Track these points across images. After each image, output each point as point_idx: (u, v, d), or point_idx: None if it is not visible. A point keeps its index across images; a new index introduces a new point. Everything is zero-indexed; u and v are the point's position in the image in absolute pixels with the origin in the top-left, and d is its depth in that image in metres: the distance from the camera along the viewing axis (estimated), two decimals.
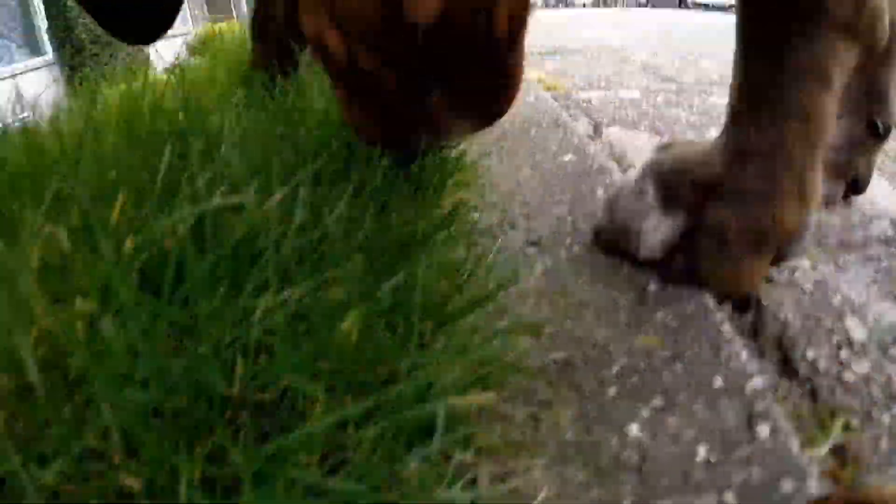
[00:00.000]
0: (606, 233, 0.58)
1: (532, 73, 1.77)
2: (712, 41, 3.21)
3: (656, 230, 0.53)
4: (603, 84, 1.61)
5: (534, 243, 0.61)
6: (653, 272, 0.53)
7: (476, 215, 0.65)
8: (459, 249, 0.46)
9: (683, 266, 0.52)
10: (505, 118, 0.50)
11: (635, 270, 0.54)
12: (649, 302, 0.50)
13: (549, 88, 1.45)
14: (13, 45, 7.21)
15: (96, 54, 6.82)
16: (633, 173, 0.57)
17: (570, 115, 1.16)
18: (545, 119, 1.11)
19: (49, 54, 7.18)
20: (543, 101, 1.23)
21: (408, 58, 0.41)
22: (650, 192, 0.54)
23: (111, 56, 6.65)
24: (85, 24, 6.78)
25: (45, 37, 7.14)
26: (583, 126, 1.15)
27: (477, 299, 0.38)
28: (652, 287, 0.52)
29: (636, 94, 1.45)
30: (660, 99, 1.47)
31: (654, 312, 0.48)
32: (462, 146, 0.72)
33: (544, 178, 0.79)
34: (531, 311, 0.49)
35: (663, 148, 0.58)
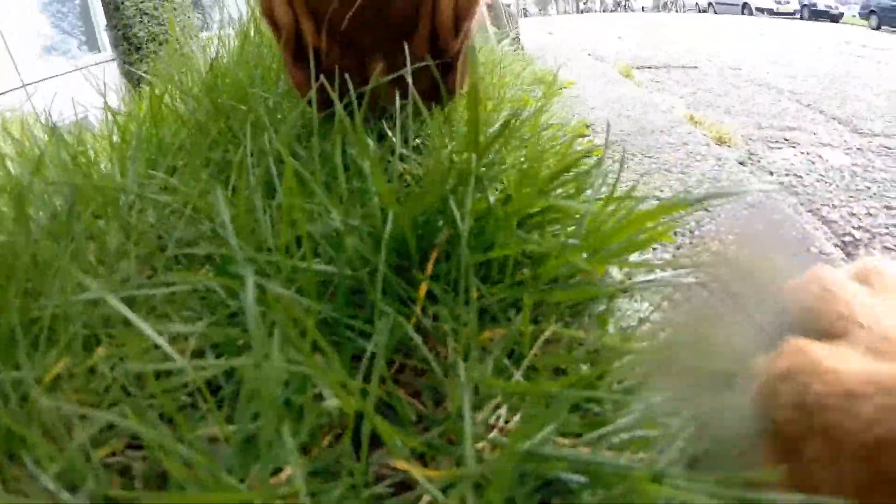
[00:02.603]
0: None
1: (669, 99, 1.39)
2: (838, 57, 2.74)
3: None
4: (783, 136, 1.21)
5: None
6: None
7: None
8: None
9: None
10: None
11: None
12: None
13: (720, 141, 1.07)
14: (75, 42, 7.38)
15: (154, 52, 6.87)
16: None
17: (791, 208, 0.75)
18: (777, 233, 0.70)
19: (108, 51, 7.31)
20: (731, 170, 0.83)
21: (351, 32, 0.45)
22: None
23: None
24: (142, 24, 6.87)
25: (105, 35, 7.28)
26: (821, 237, 0.73)
27: None
28: None
29: (845, 160, 1.05)
30: (885, 175, 1.04)
31: None
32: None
33: None
34: None
35: None
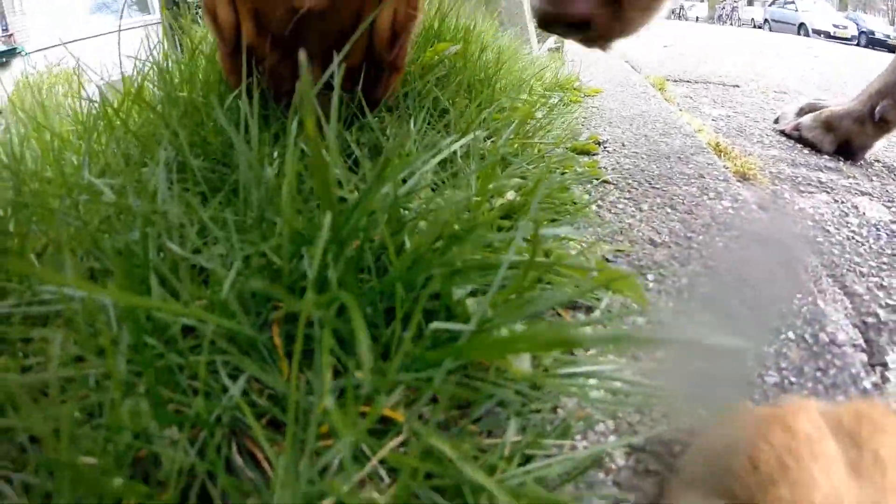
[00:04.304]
0: None
1: (698, 120, 1.31)
2: None
3: None
4: (817, 178, 1.12)
5: None
6: None
7: None
8: None
9: None
10: None
11: None
12: None
13: (742, 177, 0.97)
14: (126, 1, 7.46)
15: (202, 17, 6.95)
16: None
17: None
18: None
19: (157, 13, 7.41)
20: (745, 216, 0.72)
21: (290, 37, 0.45)
22: None
23: None
24: None
25: None
26: (838, 313, 0.59)
27: None
28: None
29: (884, 214, 0.94)
30: None
31: None
32: None
33: None
34: None
35: None
